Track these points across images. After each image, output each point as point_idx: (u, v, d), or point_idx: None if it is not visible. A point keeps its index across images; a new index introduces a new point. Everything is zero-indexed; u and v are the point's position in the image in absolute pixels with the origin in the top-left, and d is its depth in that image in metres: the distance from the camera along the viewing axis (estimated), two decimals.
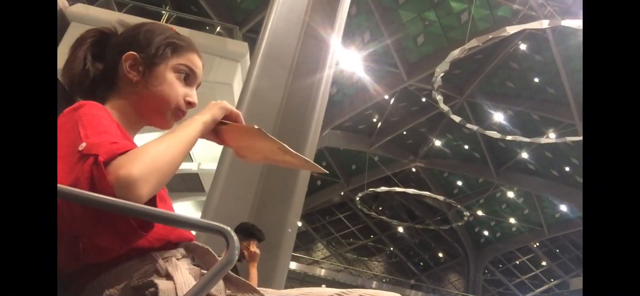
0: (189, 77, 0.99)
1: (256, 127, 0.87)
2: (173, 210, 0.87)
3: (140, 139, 0.96)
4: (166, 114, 0.97)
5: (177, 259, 0.85)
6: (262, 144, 0.91)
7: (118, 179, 0.69)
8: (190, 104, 0.99)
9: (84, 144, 0.73)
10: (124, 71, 0.95)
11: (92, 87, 0.96)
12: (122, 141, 0.78)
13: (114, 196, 0.69)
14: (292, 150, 0.89)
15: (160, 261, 0.81)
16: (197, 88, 1.02)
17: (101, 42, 1.01)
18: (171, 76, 0.97)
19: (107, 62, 0.98)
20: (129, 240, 0.73)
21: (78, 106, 0.84)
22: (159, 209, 0.75)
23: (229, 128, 0.93)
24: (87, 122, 0.79)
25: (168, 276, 0.79)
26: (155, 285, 0.76)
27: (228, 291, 0.86)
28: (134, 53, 0.96)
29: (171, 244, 0.86)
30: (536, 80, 14.10)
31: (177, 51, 0.99)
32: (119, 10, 8.55)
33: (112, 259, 0.79)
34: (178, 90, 0.97)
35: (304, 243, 23.67)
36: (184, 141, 0.82)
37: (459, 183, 20.59)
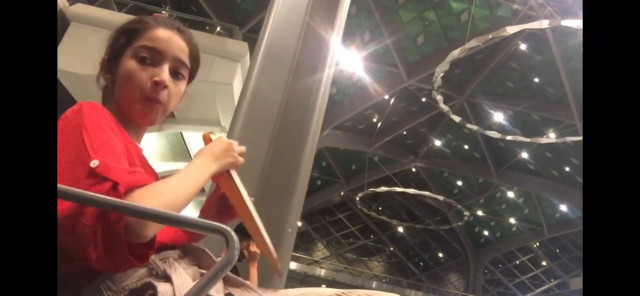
0: (153, 57, 0.93)
1: (250, 204, 0.93)
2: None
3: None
4: (135, 106, 0.92)
5: (175, 259, 0.84)
6: (243, 214, 0.95)
7: None
8: (157, 84, 0.91)
9: (96, 162, 0.72)
10: (103, 78, 0.97)
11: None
12: (137, 168, 0.78)
13: (123, 227, 0.69)
14: (264, 235, 0.94)
15: (158, 263, 0.81)
16: (176, 63, 0.95)
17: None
18: (130, 63, 0.92)
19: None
20: (120, 266, 0.74)
21: (78, 109, 0.82)
22: (160, 210, 0.75)
23: (228, 180, 0.93)
24: (91, 131, 0.78)
25: (166, 278, 0.78)
26: (153, 287, 0.76)
27: (226, 291, 0.86)
28: (103, 57, 0.97)
29: (167, 247, 0.86)
30: (536, 80, 14.10)
31: (133, 35, 0.95)
32: (119, 10, 8.55)
33: None
34: (138, 75, 0.91)
35: (304, 243, 23.67)
36: (196, 184, 0.83)
37: (459, 183, 20.60)
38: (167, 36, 0.95)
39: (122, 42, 0.95)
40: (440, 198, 18.46)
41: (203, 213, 1.00)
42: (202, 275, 0.88)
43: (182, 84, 0.98)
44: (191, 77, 1.04)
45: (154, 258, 0.81)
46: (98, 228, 0.69)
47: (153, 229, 0.72)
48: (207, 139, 0.93)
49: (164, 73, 0.92)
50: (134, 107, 0.92)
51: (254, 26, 12.09)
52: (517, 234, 22.29)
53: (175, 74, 0.96)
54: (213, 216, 1.00)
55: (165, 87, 0.92)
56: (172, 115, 1.16)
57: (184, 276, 0.80)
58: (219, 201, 1.00)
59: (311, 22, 5.29)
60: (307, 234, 23.65)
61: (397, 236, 25.20)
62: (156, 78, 0.91)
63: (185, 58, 0.97)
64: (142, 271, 0.79)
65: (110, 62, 0.96)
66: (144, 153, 0.99)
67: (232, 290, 0.85)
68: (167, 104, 0.95)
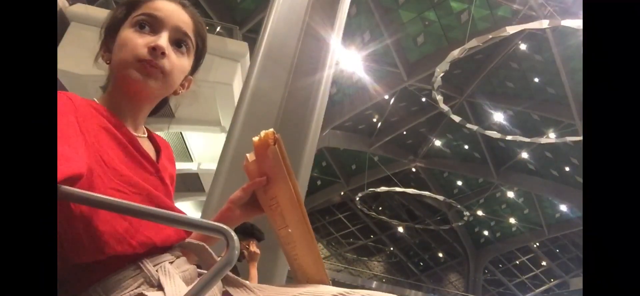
0: (152, 25, 0.88)
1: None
2: None
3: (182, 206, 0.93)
4: (130, 72, 0.85)
5: (170, 263, 0.82)
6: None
7: None
8: (154, 50, 0.85)
9: None
10: (101, 58, 0.93)
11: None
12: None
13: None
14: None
15: (151, 269, 0.78)
16: (177, 34, 0.91)
17: None
18: (127, 32, 0.88)
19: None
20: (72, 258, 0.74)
21: None
22: (159, 210, 0.74)
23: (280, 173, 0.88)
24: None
25: (159, 286, 0.76)
26: None
27: (222, 289, 0.85)
28: (101, 35, 0.94)
29: (158, 249, 0.82)
30: (536, 80, 14.10)
31: (133, 7, 0.91)
32: None
33: (100, 268, 0.76)
34: (135, 41, 0.86)
35: None
36: None
37: (459, 183, 20.60)
38: (168, 6, 0.91)
39: (120, 15, 0.92)
40: (440, 198, 18.46)
41: (226, 213, 0.94)
42: (200, 274, 0.87)
43: (185, 60, 0.93)
44: (197, 59, 0.99)
45: (147, 264, 0.78)
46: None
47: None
48: (264, 145, 0.86)
49: (162, 39, 0.87)
50: (129, 74, 0.85)
51: (254, 26, 12.08)
52: (517, 234, 22.29)
53: (177, 44, 0.91)
54: (240, 213, 0.94)
55: (164, 53, 0.86)
56: (172, 114, 1.12)
57: (177, 282, 0.78)
58: (247, 196, 0.94)
59: (311, 22, 5.29)
60: None
61: (397, 236, 25.20)
62: (152, 43, 0.85)
63: (188, 31, 0.92)
64: (133, 279, 0.77)
65: (108, 38, 0.92)
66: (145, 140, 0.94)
67: (230, 289, 0.84)
68: (169, 76, 0.88)
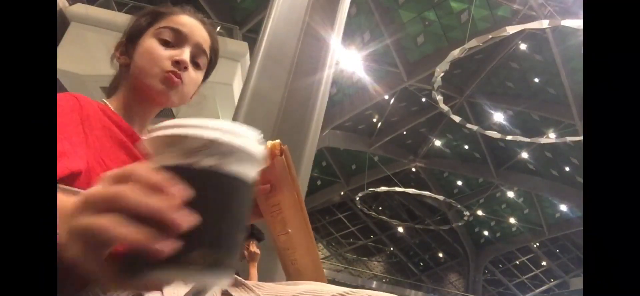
0: (175, 38, 0.93)
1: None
2: None
3: None
4: (154, 82, 0.90)
5: None
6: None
7: None
8: (178, 64, 0.91)
9: None
10: (116, 60, 0.96)
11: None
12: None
13: None
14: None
15: None
16: (197, 50, 0.95)
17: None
18: (151, 42, 0.92)
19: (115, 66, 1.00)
20: None
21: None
22: None
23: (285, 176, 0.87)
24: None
25: (156, 287, 0.76)
26: None
27: (222, 289, 0.85)
28: (122, 40, 0.97)
29: None
30: (536, 80, 14.10)
31: (157, 18, 0.96)
32: (119, 10, 8.54)
33: None
34: (159, 53, 0.91)
35: None
36: None
37: (459, 183, 20.60)
38: (191, 22, 0.96)
39: (143, 23, 0.96)
40: (440, 198, 18.46)
41: None
42: None
43: (200, 74, 0.98)
44: (208, 73, 1.03)
45: None
46: None
47: None
48: (270, 155, 0.86)
49: (185, 54, 0.92)
50: (153, 84, 0.90)
51: (254, 26, 12.09)
52: (517, 234, 22.29)
53: (194, 61, 0.95)
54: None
55: (186, 68, 0.91)
56: (171, 115, 1.13)
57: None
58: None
59: (311, 22, 5.29)
60: None
61: (397, 236, 25.20)
62: (177, 58, 0.91)
63: (206, 48, 0.97)
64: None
65: (128, 44, 0.96)
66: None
67: (229, 288, 0.84)
68: (185, 88, 0.93)
